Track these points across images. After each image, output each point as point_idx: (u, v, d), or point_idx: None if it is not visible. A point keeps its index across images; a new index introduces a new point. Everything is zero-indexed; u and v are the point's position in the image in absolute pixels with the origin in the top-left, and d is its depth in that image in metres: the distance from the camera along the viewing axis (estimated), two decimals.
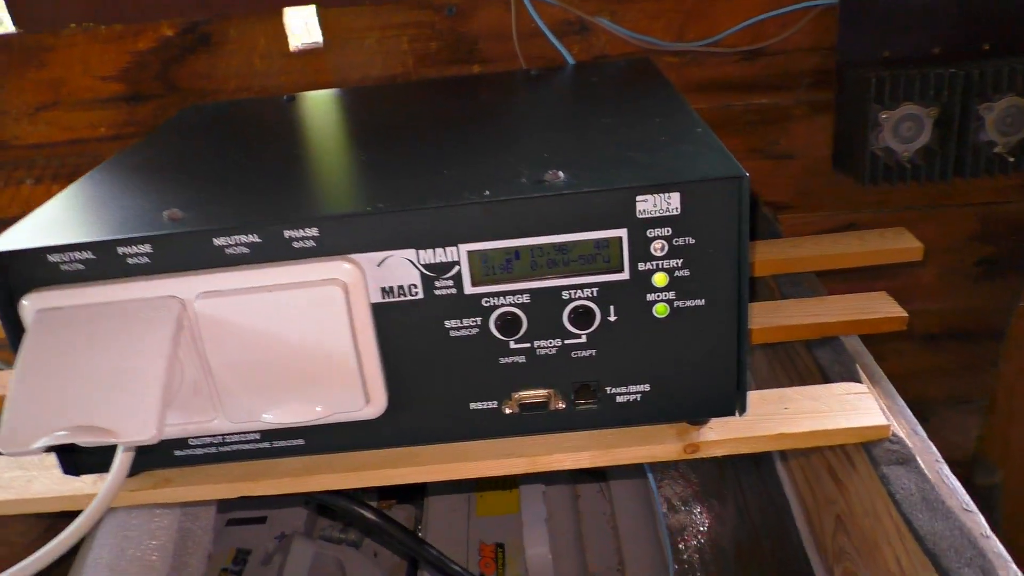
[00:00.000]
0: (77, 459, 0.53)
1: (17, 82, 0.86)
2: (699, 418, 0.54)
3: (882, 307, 0.66)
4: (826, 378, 0.61)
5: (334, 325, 0.48)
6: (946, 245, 0.94)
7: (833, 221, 0.92)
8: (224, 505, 0.81)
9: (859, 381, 0.60)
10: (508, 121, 0.67)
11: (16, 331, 0.48)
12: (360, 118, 0.72)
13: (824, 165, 0.89)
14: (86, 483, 0.55)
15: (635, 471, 0.81)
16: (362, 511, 0.63)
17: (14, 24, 0.84)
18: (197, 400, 0.50)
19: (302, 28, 0.86)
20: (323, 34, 0.84)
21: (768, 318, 0.66)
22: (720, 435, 0.54)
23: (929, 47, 0.82)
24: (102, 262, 0.47)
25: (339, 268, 0.47)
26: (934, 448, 0.56)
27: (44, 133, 0.88)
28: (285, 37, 0.84)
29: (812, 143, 0.88)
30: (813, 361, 0.63)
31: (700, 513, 1.00)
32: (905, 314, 0.64)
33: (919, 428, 0.58)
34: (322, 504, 0.72)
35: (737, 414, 0.53)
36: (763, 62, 0.85)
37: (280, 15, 0.84)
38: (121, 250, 0.47)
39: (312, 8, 0.83)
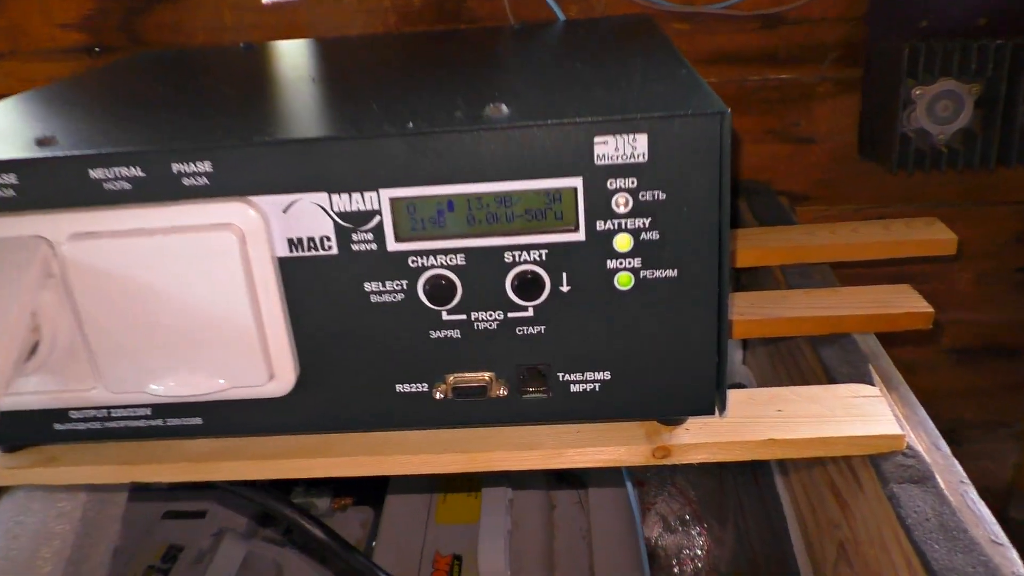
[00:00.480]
0: None
1: None
2: (671, 416, 0.45)
3: (904, 301, 0.56)
4: (831, 380, 0.52)
5: (229, 280, 0.40)
6: (985, 248, 0.84)
7: (857, 216, 0.83)
8: (162, 495, 0.74)
9: (870, 383, 0.50)
10: (467, 66, 0.58)
11: None
12: (309, 64, 0.64)
13: (849, 151, 0.79)
14: None
15: (619, 478, 0.72)
16: (270, 502, 0.55)
17: None
18: (73, 365, 0.42)
19: None
20: None
21: (770, 309, 0.57)
22: (696, 438, 0.45)
23: (974, 17, 0.72)
24: None
25: (235, 211, 0.40)
26: (959, 467, 0.47)
27: (2, 85, 0.82)
28: None
29: (836, 126, 0.79)
30: (818, 360, 0.53)
31: (698, 535, 0.90)
32: (931, 309, 0.55)
33: (942, 443, 0.48)
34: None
35: (717, 414, 0.44)
36: (784, 31, 0.76)
37: None
38: None
39: None
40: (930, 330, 0.81)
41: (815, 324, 0.56)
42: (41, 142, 0.41)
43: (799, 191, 0.82)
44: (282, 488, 0.75)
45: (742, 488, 0.78)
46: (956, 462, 0.47)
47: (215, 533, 0.68)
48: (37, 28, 0.80)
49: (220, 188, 0.40)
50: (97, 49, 0.80)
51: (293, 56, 0.66)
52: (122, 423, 0.45)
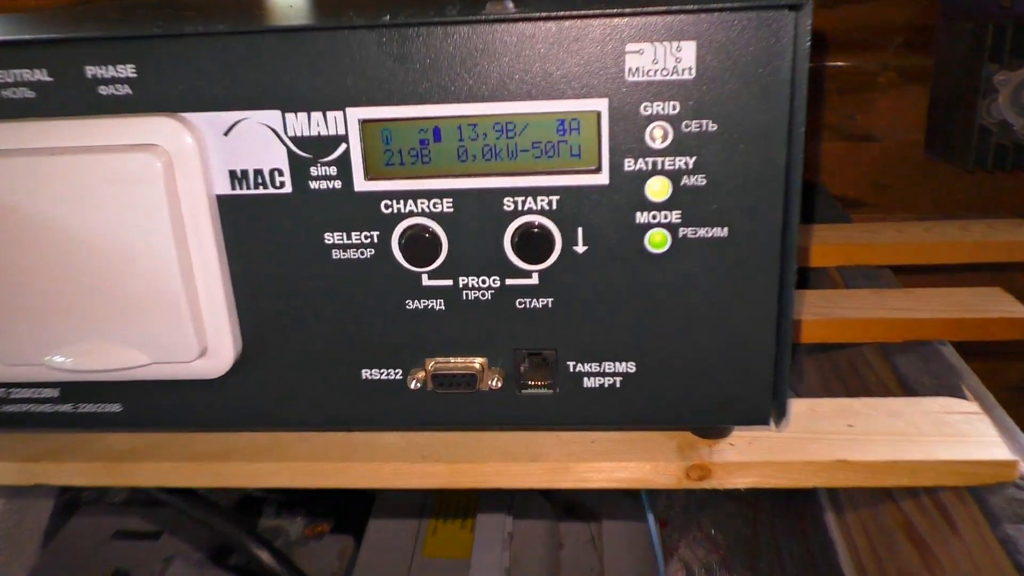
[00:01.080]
0: None
1: None
2: (712, 426, 0.36)
3: (995, 305, 0.46)
4: (911, 393, 0.42)
5: (150, 219, 0.31)
6: None
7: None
8: (116, 509, 0.64)
9: (963, 398, 0.40)
10: None
11: None
12: None
13: (914, 151, 0.69)
14: None
15: (639, 510, 0.62)
16: (221, 524, 0.46)
17: None
18: None
19: None
20: None
21: (828, 309, 0.47)
22: (745, 455, 0.35)
23: None
24: None
25: (162, 129, 0.31)
26: None
27: None
28: None
29: (900, 122, 0.69)
30: (891, 370, 0.43)
31: None
32: None
33: None
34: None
35: (772, 426, 0.34)
36: (842, 11, 0.67)
37: None
38: None
39: None
40: (991, 371, 0.70)
41: (885, 328, 0.46)
42: None
43: (853, 195, 0.72)
44: (251, 505, 0.65)
45: (781, 530, 0.67)
46: None
47: (167, 558, 0.59)
48: None
49: (145, 100, 0.31)
50: None
51: None
52: (24, 407, 0.36)
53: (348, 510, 0.65)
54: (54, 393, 0.36)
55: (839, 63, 0.68)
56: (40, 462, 0.37)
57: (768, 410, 0.34)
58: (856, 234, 0.57)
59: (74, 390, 0.36)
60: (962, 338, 0.45)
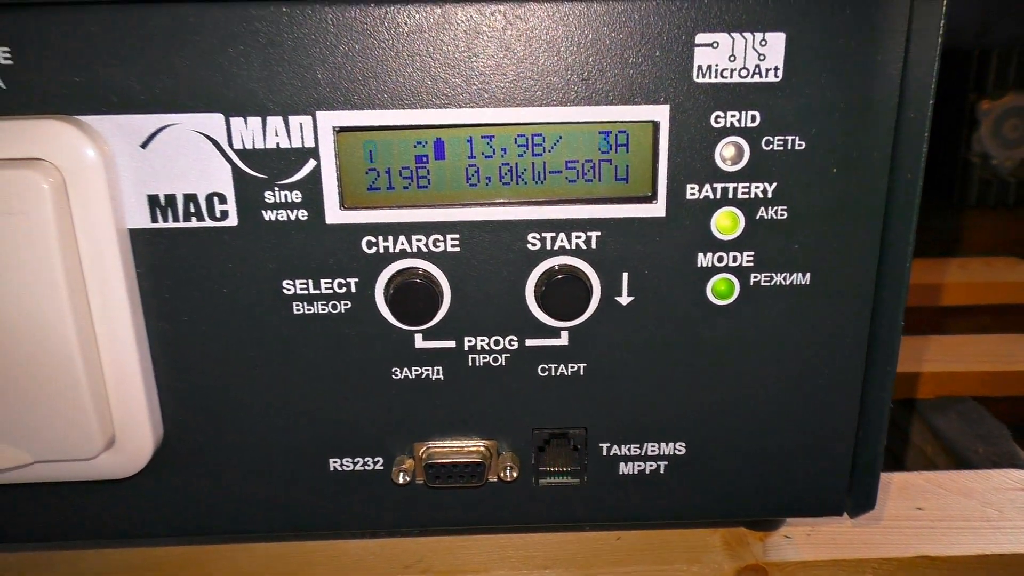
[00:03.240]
0: None
1: None
2: (768, 516, 0.29)
3: None
4: (961, 462, 0.36)
5: (32, 260, 0.22)
6: None
7: None
8: None
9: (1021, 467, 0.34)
10: None
11: None
12: None
13: None
14: None
15: None
16: None
17: None
18: None
19: None
20: None
21: None
22: (805, 552, 0.29)
23: None
24: None
25: (50, 137, 0.22)
26: None
27: None
28: None
29: None
30: (930, 432, 0.38)
31: None
32: None
33: None
34: None
35: (846, 516, 0.28)
36: None
37: None
38: None
39: None
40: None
41: (918, 383, 0.40)
42: None
43: None
44: None
45: None
46: None
47: None
48: None
49: (23, 96, 0.22)
50: None
51: None
52: None
53: None
54: None
55: None
56: None
57: (843, 497, 0.27)
58: None
59: None
60: (995, 393, 0.40)
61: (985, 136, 0.59)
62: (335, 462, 0.26)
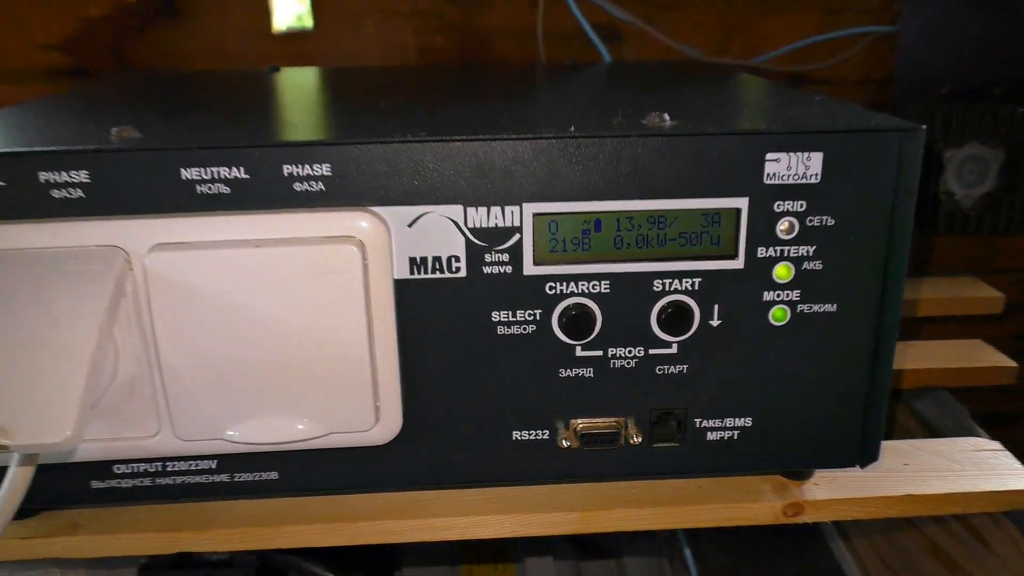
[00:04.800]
0: None
1: None
2: (809, 469, 0.41)
3: (984, 355, 0.54)
4: (935, 434, 0.49)
5: (343, 305, 0.34)
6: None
7: None
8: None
9: (979, 436, 0.48)
10: (573, 89, 0.54)
11: None
12: (376, 85, 0.59)
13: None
14: None
15: (655, 547, 0.67)
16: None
17: None
18: (134, 405, 0.35)
19: (290, 6, 0.73)
20: (313, 15, 0.72)
21: None
22: (829, 494, 0.41)
23: (991, 86, 0.74)
24: (16, 193, 0.33)
25: (357, 223, 0.34)
26: None
27: None
28: (268, 15, 0.72)
29: None
30: (911, 413, 0.51)
31: None
32: (1014, 364, 0.53)
33: None
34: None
35: (859, 467, 0.40)
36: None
37: None
38: (45, 176, 0.33)
39: None
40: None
41: (899, 377, 0.53)
42: (120, 134, 0.34)
43: None
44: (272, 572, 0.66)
45: (771, 559, 0.74)
46: None
47: None
48: (13, 48, 0.72)
49: (337, 195, 0.34)
50: (77, 73, 0.73)
51: (347, 80, 0.61)
52: (179, 479, 0.38)
53: (374, 565, 0.67)
54: (212, 464, 0.38)
55: None
56: (183, 531, 0.39)
57: (856, 454, 0.40)
58: None
59: (232, 461, 0.38)
60: (961, 384, 0.54)
61: (949, 177, 0.72)
62: (517, 433, 0.38)
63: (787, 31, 0.74)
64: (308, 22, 0.73)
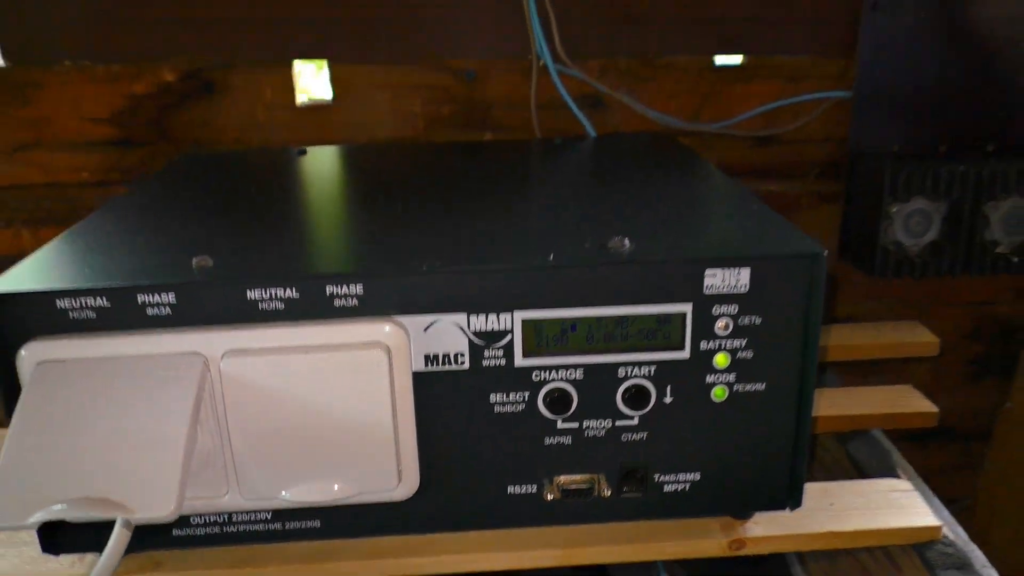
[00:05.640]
0: (59, 535, 0.46)
1: None
2: (748, 511, 0.51)
3: (912, 401, 0.64)
4: (862, 474, 0.58)
5: (373, 394, 0.44)
6: (941, 343, 0.94)
7: (836, 311, 0.92)
8: None
9: (899, 477, 0.57)
10: (556, 185, 0.64)
11: (12, 386, 0.42)
12: (389, 174, 0.68)
13: (830, 257, 0.88)
14: (63, 565, 0.48)
15: (638, 569, 0.76)
16: None
17: (3, 57, 0.79)
18: (208, 472, 0.45)
19: (311, 81, 0.83)
20: (333, 89, 0.81)
21: None
22: (767, 531, 0.51)
23: (936, 144, 0.83)
24: (118, 311, 0.43)
25: (384, 330, 0.43)
26: (980, 553, 0.54)
27: (20, 174, 0.83)
28: (292, 89, 0.81)
29: (819, 231, 0.88)
30: (846, 455, 0.60)
31: None
32: (936, 409, 0.63)
33: (962, 531, 0.55)
34: None
35: (788, 509, 0.50)
36: (775, 149, 0.85)
37: (289, 66, 0.81)
38: (142, 298, 0.42)
39: (324, 62, 0.81)
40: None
41: (838, 422, 0.63)
42: (199, 264, 0.44)
43: None
44: None
45: None
46: (976, 548, 0.55)
47: None
48: (66, 121, 0.81)
49: (368, 308, 0.44)
50: (124, 143, 0.82)
51: (365, 166, 0.70)
52: (242, 527, 0.48)
53: None
54: (267, 515, 0.47)
55: (772, 188, 0.86)
56: (248, 566, 0.48)
57: (786, 499, 0.49)
58: None
59: (284, 512, 0.47)
60: (889, 427, 0.63)
61: (897, 229, 0.81)
62: (511, 487, 0.48)
63: (754, 97, 0.83)
64: (328, 96, 0.82)
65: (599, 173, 0.67)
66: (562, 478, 0.48)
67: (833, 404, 0.64)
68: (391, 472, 0.45)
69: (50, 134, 0.82)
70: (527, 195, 0.61)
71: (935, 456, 1.03)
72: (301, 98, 0.82)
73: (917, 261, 0.81)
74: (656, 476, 0.48)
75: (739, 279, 0.44)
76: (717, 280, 0.44)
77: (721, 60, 0.82)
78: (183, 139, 0.82)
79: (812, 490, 0.54)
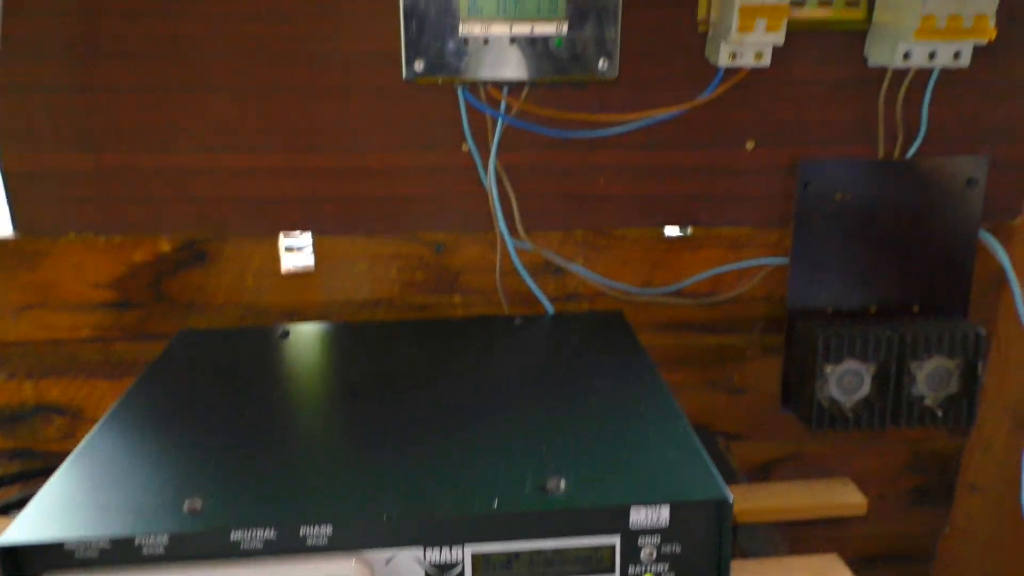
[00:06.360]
0: None
1: (5, 283, 0.87)
2: None
3: (837, 571, 0.71)
4: None
5: None
6: (882, 474, 1.02)
7: (782, 451, 0.99)
8: None
9: None
10: (503, 406, 0.69)
11: None
12: (359, 378, 0.74)
13: (773, 401, 0.96)
14: None
15: None
16: None
17: (14, 228, 0.86)
18: None
19: (295, 252, 0.90)
20: (315, 258, 0.89)
21: None
22: None
23: (867, 306, 0.91)
24: (118, 551, 0.49)
25: (350, 565, 0.50)
26: None
27: (25, 332, 0.89)
28: (278, 258, 0.89)
29: (763, 380, 0.96)
30: None
31: None
32: None
33: None
34: None
35: None
36: (721, 308, 0.93)
37: (276, 238, 0.88)
38: (138, 540, 0.49)
39: (308, 234, 0.88)
40: (838, 542, 0.98)
41: None
42: (189, 506, 0.50)
43: (734, 431, 0.98)
44: None
45: None
46: None
47: None
48: (69, 285, 0.88)
49: (336, 545, 0.50)
50: (123, 305, 0.89)
51: (337, 358, 0.77)
52: None
53: None
54: None
55: (720, 341, 0.94)
56: None
57: None
58: (743, 496, 0.81)
59: None
60: None
61: (831, 387, 0.89)
62: None
63: (701, 264, 0.91)
64: (310, 263, 0.89)
65: (545, 379, 0.71)
66: None
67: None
68: None
69: (54, 297, 0.88)
70: (481, 421, 0.64)
71: None
72: (286, 266, 0.89)
73: (851, 416, 0.89)
74: None
75: (660, 515, 0.51)
76: (641, 516, 0.51)
77: (670, 231, 0.90)
78: (178, 300, 0.89)
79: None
